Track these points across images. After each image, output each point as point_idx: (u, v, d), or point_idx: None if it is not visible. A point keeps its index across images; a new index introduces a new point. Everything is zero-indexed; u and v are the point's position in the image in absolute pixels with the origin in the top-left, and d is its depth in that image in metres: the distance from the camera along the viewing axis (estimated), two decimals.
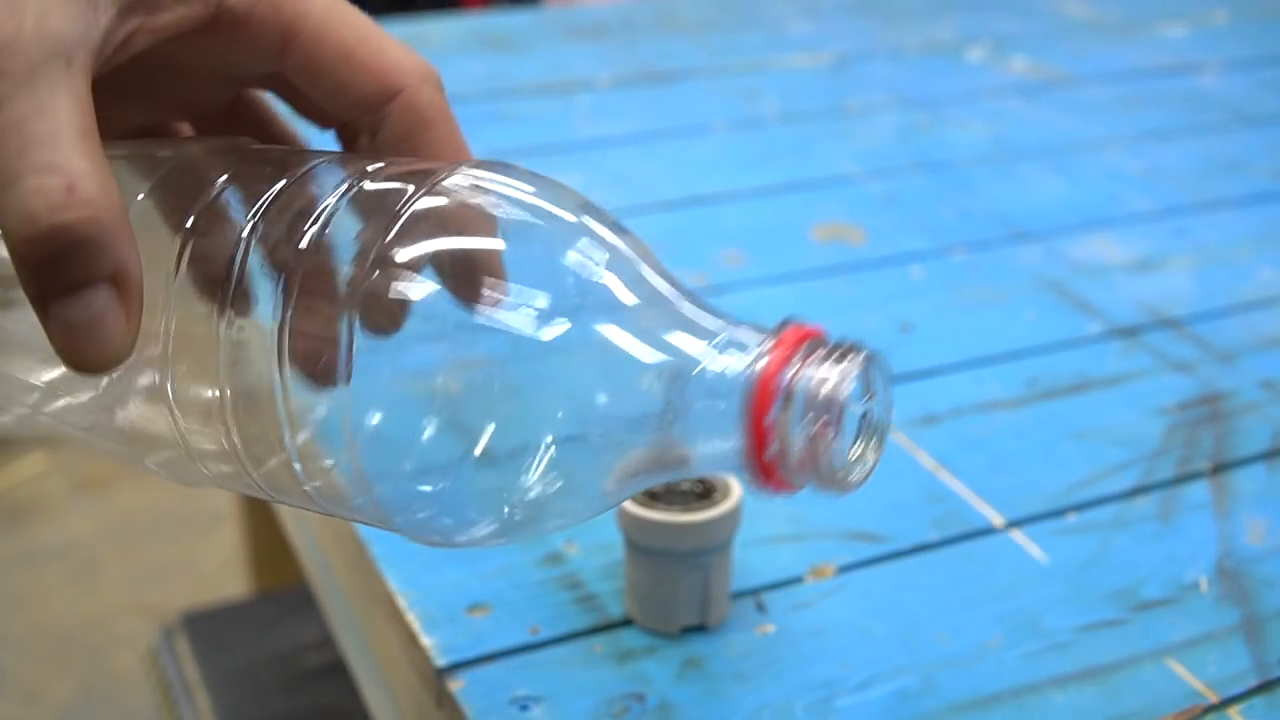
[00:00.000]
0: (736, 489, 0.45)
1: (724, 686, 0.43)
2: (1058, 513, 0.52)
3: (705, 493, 0.45)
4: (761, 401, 0.30)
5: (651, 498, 0.45)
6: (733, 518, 0.45)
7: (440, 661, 0.44)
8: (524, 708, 0.42)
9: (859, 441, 0.32)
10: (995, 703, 0.43)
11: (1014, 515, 0.52)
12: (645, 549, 0.45)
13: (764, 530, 0.51)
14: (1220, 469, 0.55)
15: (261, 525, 1.10)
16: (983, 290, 0.69)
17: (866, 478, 0.33)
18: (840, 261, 0.72)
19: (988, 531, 0.51)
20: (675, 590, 0.45)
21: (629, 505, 0.45)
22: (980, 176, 0.83)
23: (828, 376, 0.30)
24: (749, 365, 0.30)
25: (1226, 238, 0.76)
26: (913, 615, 0.47)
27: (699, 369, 0.31)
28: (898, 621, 0.47)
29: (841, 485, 0.32)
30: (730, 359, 0.31)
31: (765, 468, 0.31)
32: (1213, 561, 0.50)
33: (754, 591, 0.48)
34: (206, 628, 0.96)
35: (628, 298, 0.32)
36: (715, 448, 0.31)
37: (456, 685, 0.43)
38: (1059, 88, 0.99)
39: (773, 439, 0.30)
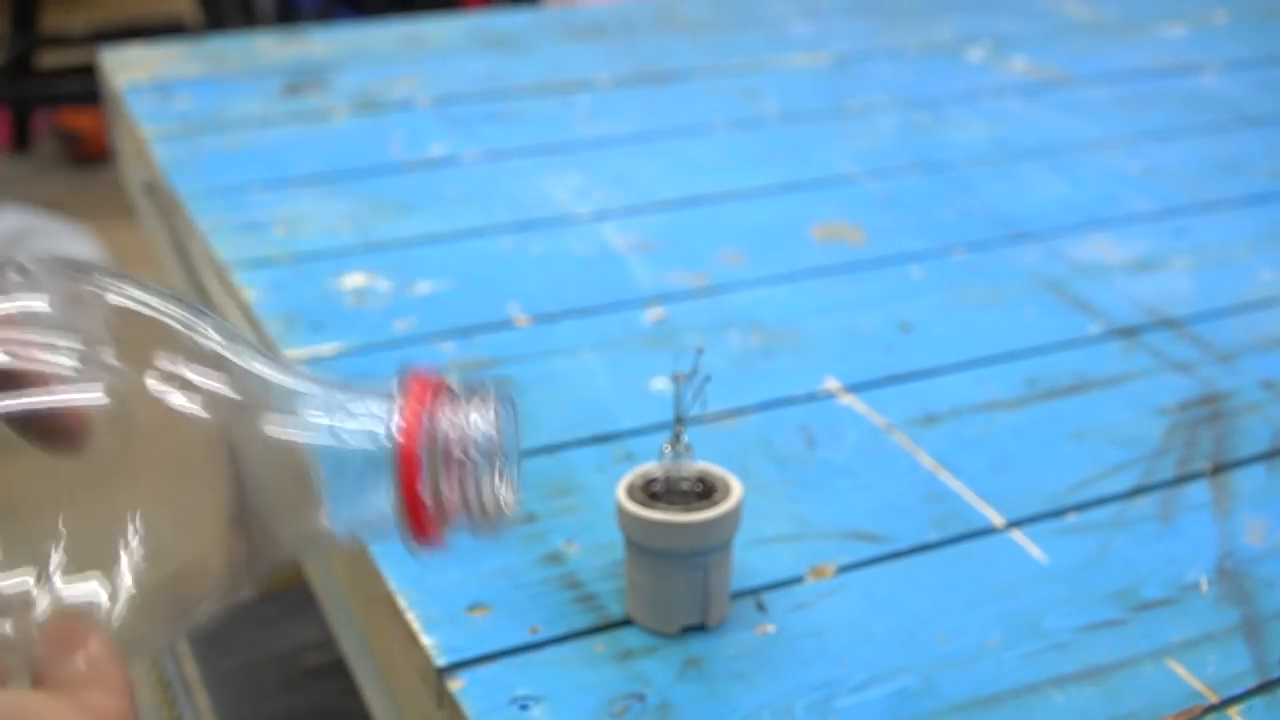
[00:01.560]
0: (737, 489, 0.45)
1: (724, 686, 0.43)
2: (1058, 513, 0.52)
3: (705, 493, 0.45)
4: (408, 462, 0.30)
5: (652, 497, 0.45)
6: (733, 518, 0.45)
7: (440, 661, 0.44)
8: (524, 707, 0.42)
9: (497, 477, 0.32)
10: (995, 703, 0.43)
11: (1014, 515, 0.52)
12: (645, 549, 0.45)
13: (764, 530, 0.51)
14: (1220, 469, 0.55)
15: None
16: (982, 290, 0.69)
17: (515, 507, 0.32)
18: (840, 261, 0.72)
19: (988, 531, 0.51)
20: (675, 590, 0.45)
21: (629, 505, 0.45)
22: (980, 176, 0.83)
23: (466, 423, 0.30)
24: (387, 430, 0.30)
25: (1226, 238, 0.76)
26: (913, 615, 0.47)
27: (338, 442, 0.30)
28: (898, 621, 0.47)
29: (496, 520, 0.32)
30: (366, 425, 0.30)
31: (420, 522, 0.31)
32: (1213, 562, 0.50)
33: (754, 591, 0.48)
34: (206, 627, 0.96)
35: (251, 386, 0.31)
36: (362, 512, 0.31)
37: (456, 685, 0.43)
38: (1059, 88, 0.99)
39: (424, 493, 0.30)
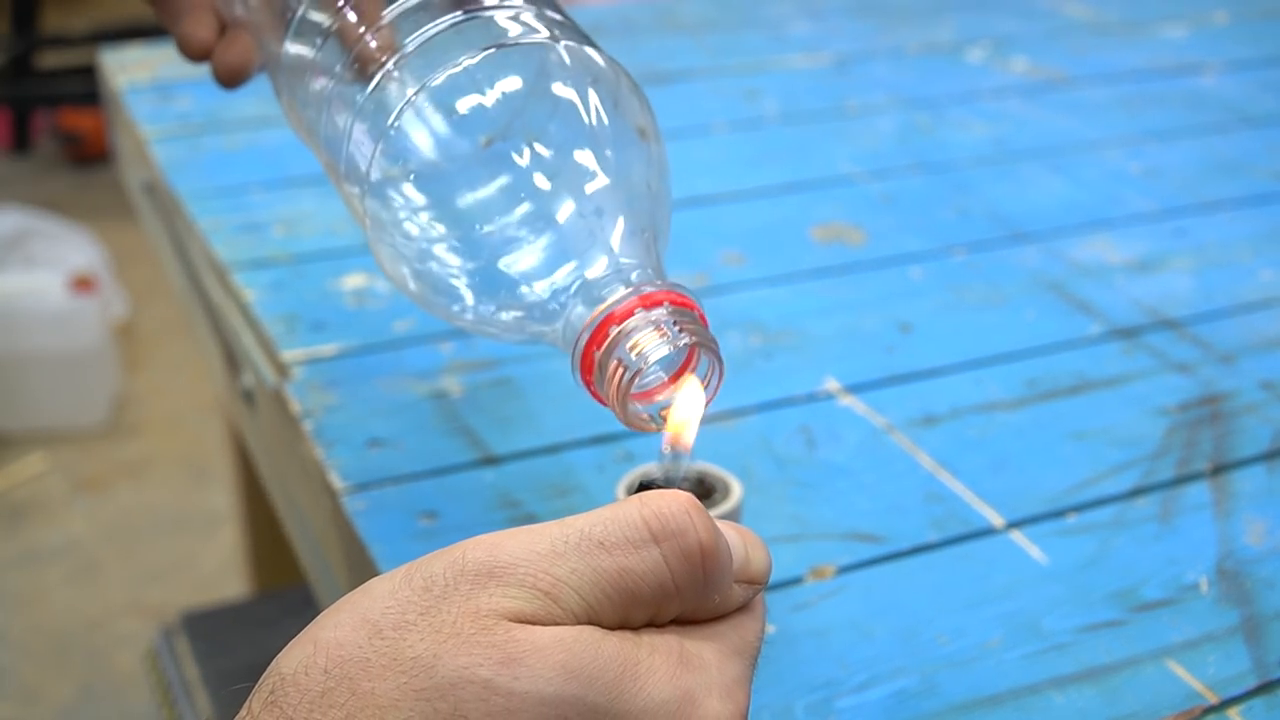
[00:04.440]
0: (737, 489, 0.45)
1: None
2: (1058, 513, 0.52)
3: (705, 493, 0.45)
4: (599, 330, 0.37)
5: None
6: (733, 518, 0.45)
7: None
8: None
9: (639, 390, 0.38)
10: (995, 703, 0.43)
11: (1014, 516, 0.52)
12: None
13: (764, 530, 0.50)
14: (1220, 470, 0.55)
15: (261, 525, 1.10)
16: (982, 291, 0.69)
17: (656, 427, 0.38)
18: (840, 262, 0.72)
19: (988, 532, 0.51)
20: None
21: None
22: (980, 177, 0.83)
23: (650, 338, 0.36)
24: (616, 300, 0.37)
25: (1226, 238, 0.76)
26: (913, 616, 0.47)
27: (591, 277, 0.38)
28: (898, 622, 0.47)
29: (629, 418, 0.38)
30: (612, 285, 0.38)
31: (585, 367, 0.37)
32: (1213, 562, 0.50)
33: None
34: (206, 628, 0.96)
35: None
36: (568, 329, 0.38)
37: None
38: (1059, 88, 0.99)
39: (594, 359, 0.37)
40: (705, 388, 0.38)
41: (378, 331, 0.63)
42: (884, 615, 0.47)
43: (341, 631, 0.29)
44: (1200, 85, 1.01)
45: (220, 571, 1.59)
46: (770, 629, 0.46)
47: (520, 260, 0.39)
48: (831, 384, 0.61)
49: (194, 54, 0.51)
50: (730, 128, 0.90)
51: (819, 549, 0.50)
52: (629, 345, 0.36)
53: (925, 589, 0.48)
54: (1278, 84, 1.01)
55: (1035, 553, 0.50)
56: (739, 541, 0.32)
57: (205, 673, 0.91)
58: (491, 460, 0.54)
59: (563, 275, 0.38)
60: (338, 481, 0.52)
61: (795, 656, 0.45)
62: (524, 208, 0.39)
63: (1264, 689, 0.44)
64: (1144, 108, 0.95)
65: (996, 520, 0.52)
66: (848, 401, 0.59)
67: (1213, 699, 0.44)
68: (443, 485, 0.53)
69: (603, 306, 0.37)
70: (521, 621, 0.29)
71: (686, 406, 0.37)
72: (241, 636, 0.95)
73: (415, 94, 0.40)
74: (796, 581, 0.48)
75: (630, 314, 0.36)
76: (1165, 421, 0.58)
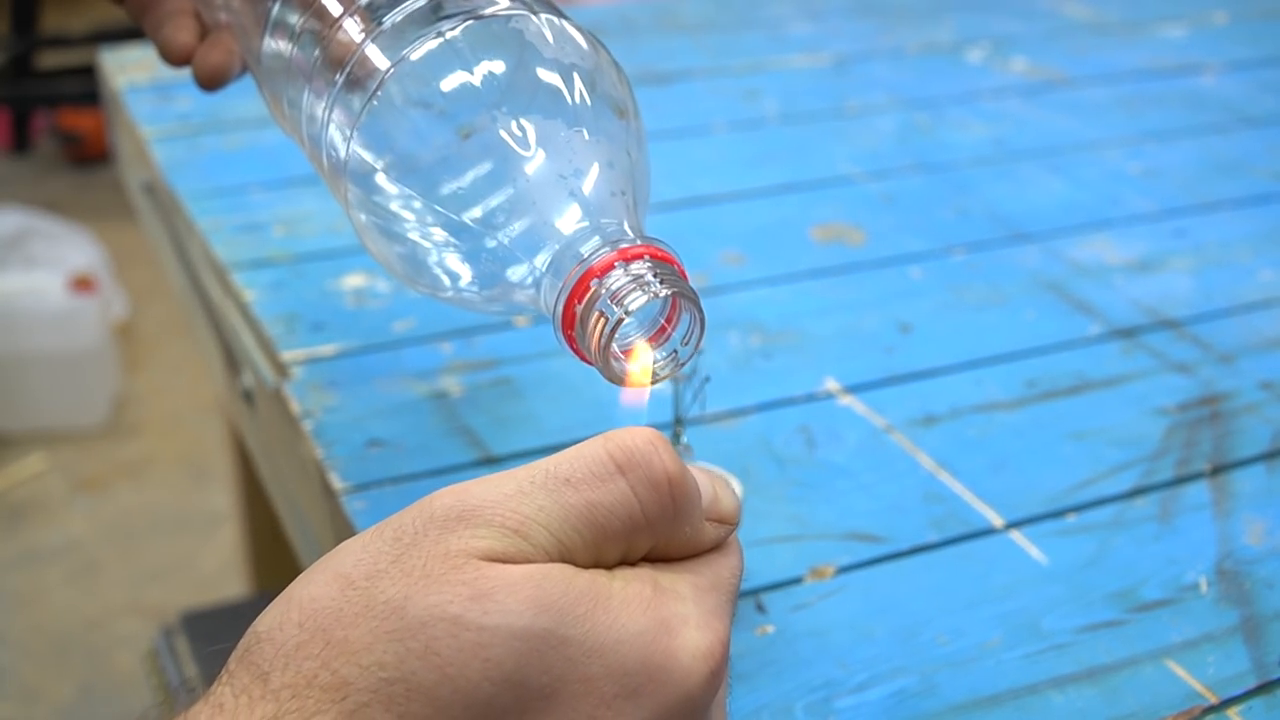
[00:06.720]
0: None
1: None
2: (1057, 513, 0.52)
3: None
4: (580, 284, 0.37)
5: None
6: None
7: None
8: None
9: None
10: (995, 704, 0.43)
11: (1014, 516, 0.52)
12: None
13: (764, 530, 0.51)
14: (1220, 470, 0.55)
15: (261, 525, 1.10)
16: (982, 291, 0.69)
17: (639, 382, 0.38)
18: (840, 262, 0.72)
19: (987, 532, 0.51)
20: None
21: None
22: (979, 177, 0.83)
23: (629, 291, 0.36)
24: (594, 252, 0.37)
25: (1226, 238, 0.76)
26: (912, 616, 0.47)
27: (572, 235, 0.38)
28: (897, 622, 0.47)
29: (609, 372, 0.38)
30: (592, 242, 0.37)
31: (566, 322, 0.37)
32: (1212, 563, 0.50)
33: (754, 592, 0.48)
34: (206, 628, 0.96)
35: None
36: (549, 289, 0.38)
37: None
38: (1059, 88, 0.99)
39: (575, 313, 0.37)
40: (687, 342, 0.38)
41: (377, 331, 0.63)
42: (884, 615, 0.47)
43: (315, 587, 0.30)
44: (1200, 85, 1.01)
45: (220, 571, 1.59)
46: (770, 629, 0.46)
47: (501, 226, 0.39)
48: (831, 384, 0.61)
49: (175, 59, 0.51)
50: (730, 128, 0.90)
51: (819, 549, 0.50)
52: (609, 298, 0.36)
53: (925, 589, 0.48)
54: (1278, 84, 1.01)
55: (1035, 553, 0.50)
56: (706, 480, 0.33)
57: (205, 673, 0.91)
58: (491, 460, 0.54)
59: (543, 237, 0.39)
60: (337, 482, 0.53)
61: (795, 656, 0.45)
62: (503, 173, 0.39)
63: (1263, 689, 0.44)
64: (1144, 108, 0.95)
65: (996, 520, 0.52)
66: (847, 401, 0.59)
67: (1212, 699, 0.44)
68: (442, 485, 0.53)
69: (582, 261, 0.37)
70: (492, 560, 0.29)
71: (642, 368, 0.38)
72: (241, 636, 0.95)
73: (391, 68, 0.39)
74: (796, 581, 0.48)
75: (610, 267, 0.37)
76: (1165, 421, 0.59)
